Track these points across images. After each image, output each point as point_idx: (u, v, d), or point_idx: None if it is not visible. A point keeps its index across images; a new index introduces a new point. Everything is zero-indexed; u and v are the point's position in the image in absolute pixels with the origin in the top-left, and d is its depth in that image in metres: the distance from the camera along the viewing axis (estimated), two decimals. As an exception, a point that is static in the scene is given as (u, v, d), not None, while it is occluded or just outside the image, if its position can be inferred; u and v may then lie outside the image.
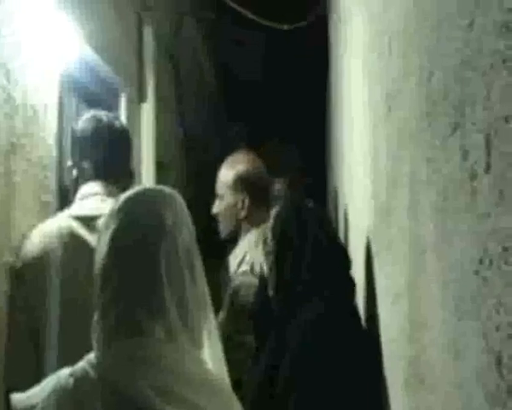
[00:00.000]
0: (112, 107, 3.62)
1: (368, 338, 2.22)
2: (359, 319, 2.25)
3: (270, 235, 2.24)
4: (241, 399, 1.61)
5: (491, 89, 0.85)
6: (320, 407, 1.95)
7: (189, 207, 1.57)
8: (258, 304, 2.39)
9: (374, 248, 2.26)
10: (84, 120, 2.35)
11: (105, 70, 3.46)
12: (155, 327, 1.40)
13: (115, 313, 1.41)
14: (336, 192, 5.23)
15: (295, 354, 2.01)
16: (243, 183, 2.88)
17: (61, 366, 1.49)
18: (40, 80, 2.36)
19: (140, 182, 4.02)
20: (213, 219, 3.08)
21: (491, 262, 0.85)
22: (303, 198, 2.45)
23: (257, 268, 2.67)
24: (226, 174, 2.93)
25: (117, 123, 2.41)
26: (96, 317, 1.44)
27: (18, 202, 2.14)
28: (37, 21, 2.34)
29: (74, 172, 2.33)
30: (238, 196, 2.88)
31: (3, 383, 1.99)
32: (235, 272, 2.80)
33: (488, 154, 0.87)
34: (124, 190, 1.65)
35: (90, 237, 2.06)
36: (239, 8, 5.38)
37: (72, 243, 2.10)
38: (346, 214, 3.77)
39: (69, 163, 2.37)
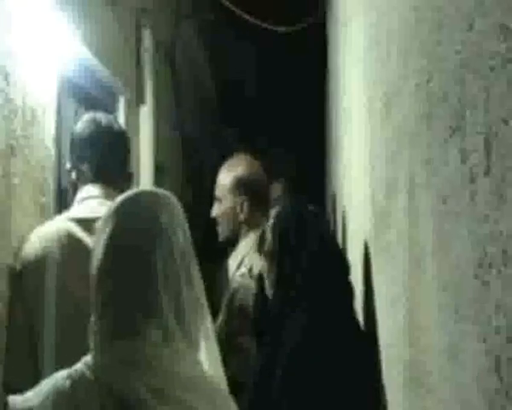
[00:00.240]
0: (110, 109, 3.62)
1: (365, 342, 2.22)
2: (357, 322, 2.24)
3: (269, 233, 2.25)
4: (240, 400, 1.61)
5: (491, 91, 0.85)
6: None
7: (187, 209, 1.58)
8: (256, 305, 2.39)
9: (372, 252, 2.26)
10: (83, 122, 2.35)
11: (103, 73, 3.46)
12: (151, 329, 1.40)
13: (111, 316, 1.41)
14: (335, 196, 5.23)
15: (290, 356, 2.01)
16: (242, 186, 2.89)
17: (59, 367, 1.49)
18: (39, 83, 2.36)
19: (138, 184, 4.02)
20: (211, 222, 3.08)
21: (490, 265, 0.85)
22: (303, 201, 2.45)
23: (255, 271, 2.67)
24: (225, 177, 2.93)
25: (115, 125, 2.41)
26: (92, 319, 1.44)
27: (17, 205, 2.13)
28: (35, 24, 2.34)
29: (73, 174, 2.32)
30: (237, 199, 2.89)
31: (2, 384, 1.99)
32: (234, 274, 2.81)
33: (487, 156, 0.87)
34: (122, 192, 1.65)
35: (89, 240, 2.05)
36: (236, 10, 5.38)
37: (71, 246, 2.10)
38: (344, 218, 3.76)
39: (68, 166, 2.37)
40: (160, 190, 1.59)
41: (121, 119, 3.83)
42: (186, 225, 1.52)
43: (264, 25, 5.62)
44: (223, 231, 2.97)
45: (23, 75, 2.21)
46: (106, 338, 1.41)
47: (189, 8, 6.52)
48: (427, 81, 1.25)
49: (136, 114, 4.27)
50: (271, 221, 2.27)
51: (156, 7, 4.80)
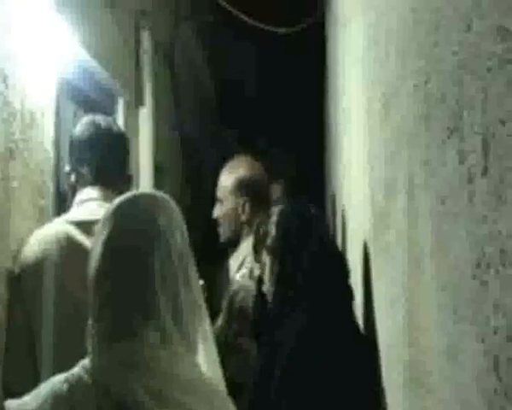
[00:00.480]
0: (109, 111, 3.62)
1: (364, 343, 2.22)
2: (356, 324, 2.25)
3: (273, 230, 2.25)
4: (239, 401, 1.61)
5: (489, 92, 0.85)
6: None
7: (187, 210, 1.58)
8: (256, 307, 2.39)
9: (371, 252, 2.26)
10: (82, 124, 2.35)
11: (102, 75, 3.46)
12: (149, 331, 1.40)
13: (109, 318, 1.41)
14: (334, 196, 5.23)
15: (289, 357, 2.01)
16: (244, 187, 2.90)
17: (58, 370, 1.48)
18: (37, 85, 2.36)
19: (138, 186, 4.02)
20: (211, 223, 3.09)
21: (488, 266, 0.85)
22: (304, 201, 2.46)
23: (256, 273, 2.68)
24: (227, 179, 2.94)
25: (114, 128, 2.41)
26: (90, 322, 1.44)
27: (16, 208, 2.13)
28: (34, 26, 2.34)
29: (72, 177, 2.32)
30: (239, 200, 2.90)
31: (1, 387, 1.99)
32: (235, 275, 2.82)
33: (485, 157, 0.87)
34: (121, 194, 1.65)
35: (88, 242, 2.05)
36: (235, 12, 5.38)
37: (70, 248, 2.10)
38: (343, 219, 3.76)
39: (67, 168, 2.37)
40: (158, 193, 1.59)
41: (120, 120, 3.83)
42: (184, 227, 1.52)
43: (263, 26, 5.62)
44: (224, 232, 2.98)
45: (22, 78, 2.21)
46: (103, 340, 1.41)
47: (188, 9, 6.52)
48: (426, 82, 1.25)
49: (136, 116, 4.27)
50: (275, 218, 2.28)
51: (155, 9, 4.80)
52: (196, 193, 6.24)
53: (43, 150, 2.40)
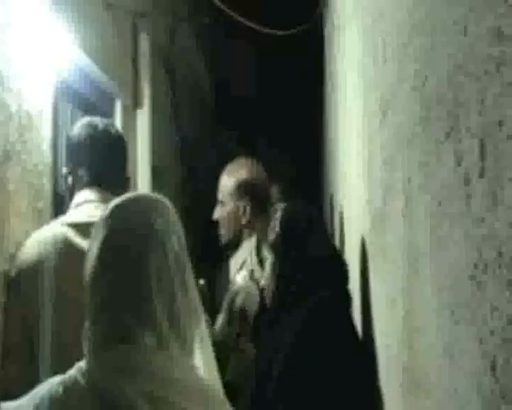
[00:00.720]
0: (107, 113, 3.62)
1: (362, 344, 2.22)
2: (354, 326, 2.25)
3: (277, 226, 2.25)
4: (239, 403, 1.61)
5: (485, 94, 0.86)
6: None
7: (185, 212, 1.57)
8: (259, 309, 2.40)
9: (369, 253, 2.26)
10: (80, 126, 2.34)
11: (100, 76, 3.46)
12: (145, 334, 1.39)
13: (105, 321, 1.40)
14: (332, 198, 5.24)
15: (286, 359, 2.02)
16: (245, 189, 2.91)
17: (57, 372, 1.48)
18: (35, 87, 2.36)
19: (136, 188, 4.02)
20: (209, 225, 3.09)
21: (485, 267, 0.85)
22: (306, 203, 2.46)
23: (256, 274, 2.69)
24: (228, 181, 2.95)
25: (112, 129, 2.40)
26: (86, 324, 1.43)
27: (13, 210, 2.13)
28: (31, 28, 2.34)
29: (69, 179, 2.32)
30: (240, 202, 2.91)
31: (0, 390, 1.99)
32: (235, 276, 2.83)
33: (482, 159, 0.87)
34: (119, 197, 1.65)
35: (86, 245, 2.04)
36: (233, 14, 5.39)
37: (67, 251, 2.09)
38: (341, 220, 3.77)
39: (64, 170, 2.36)
40: (155, 195, 1.59)
41: (118, 122, 3.84)
42: (181, 230, 1.51)
43: (261, 28, 5.63)
44: (225, 234, 2.99)
45: (19, 80, 2.21)
46: (99, 344, 1.40)
47: (186, 11, 6.52)
48: (423, 85, 1.25)
49: (134, 118, 4.27)
50: (279, 214, 2.28)
51: (153, 11, 4.80)
52: (195, 194, 6.24)
53: (41, 152, 2.40)
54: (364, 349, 2.22)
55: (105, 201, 2.16)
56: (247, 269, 2.79)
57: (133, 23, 4.28)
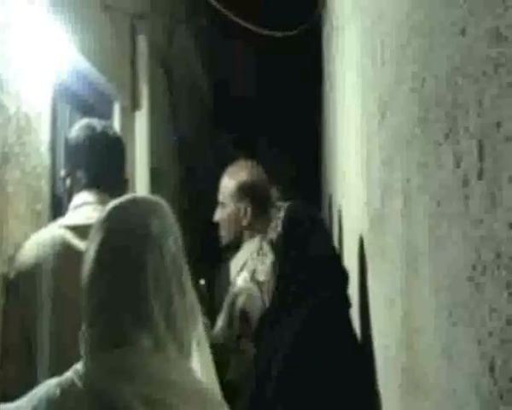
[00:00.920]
0: (105, 115, 3.62)
1: (361, 344, 2.22)
2: (352, 327, 2.25)
3: (279, 226, 2.26)
4: (238, 404, 1.61)
5: (484, 95, 0.86)
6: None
7: (183, 214, 1.57)
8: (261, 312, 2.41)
9: (368, 254, 2.26)
10: (78, 128, 2.34)
11: (98, 78, 3.46)
12: (142, 337, 1.39)
13: (102, 323, 1.40)
14: (331, 198, 5.24)
15: (286, 359, 2.02)
16: (246, 191, 2.91)
17: (55, 374, 1.48)
18: (33, 89, 2.36)
19: (134, 190, 4.02)
20: (208, 226, 3.09)
21: (484, 268, 0.85)
22: (308, 204, 2.46)
23: (257, 276, 2.69)
24: (228, 183, 2.96)
25: (110, 131, 2.40)
26: (83, 326, 1.43)
27: (12, 212, 2.13)
28: (30, 30, 2.34)
29: (68, 181, 2.32)
30: (241, 204, 2.92)
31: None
32: (236, 277, 2.83)
33: (481, 160, 0.87)
34: (117, 198, 1.64)
35: (84, 247, 2.04)
36: (232, 16, 5.39)
37: (66, 253, 2.09)
38: (340, 220, 3.77)
39: (62, 172, 2.36)
40: (152, 197, 1.58)
41: (116, 124, 3.83)
42: (178, 232, 1.51)
43: (260, 29, 5.63)
44: (225, 236, 3.00)
45: (17, 82, 2.21)
46: (96, 346, 1.40)
47: (185, 13, 6.52)
48: (421, 86, 1.25)
49: (132, 120, 4.27)
50: (282, 214, 2.28)
51: (152, 12, 4.80)
52: (193, 196, 6.24)
53: (39, 155, 2.39)
54: (363, 350, 2.22)
55: (103, 203, 2.16)
56: (248, 270, 2.79)
57: (131, 25, 4.28)
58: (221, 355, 2.60)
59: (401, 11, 1.50)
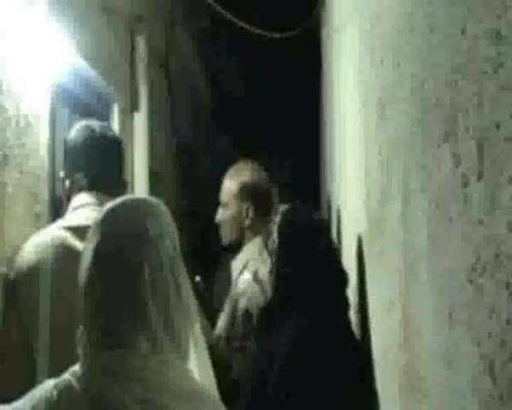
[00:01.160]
0: (104, 116, 3.62)
1: (360, 347, 2.22)
2: (351, 328, 2.25)
3: (275, 230, 2.26)
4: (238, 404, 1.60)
5: (483, 96, 0.86)
6: None
7: (183, 215, 1.57)
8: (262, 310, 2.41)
9: (366, 256, 2.26)
10: (77, 130, 2.34)
11: (97, 80, 3.46)
12: (140, 338, 1.38)
13: (99, 326, 1.40)
14: (329, 200, 5.24)
15: (285, 359, 2.02)
16: (248, 192, 2.92)
17: (54, 377, 1.48)
18: (32, 91, 2.36)
19: (133, 191, 4.02)
20: (207, 226, 3.10)
21: (484, 269, 0.85)
22: (308, 207, 2.46)
23: (260, 275, 2.70)
24: (231, 183, 2.97)
25: (109, 133, 2.40)
26: (80, 329, 1.43)
27: (11, 214, 2.13)
28: (29, 32, 2.34)
29: (67, 182, 2.31)
30: (243, 204, 2.93)
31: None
32: (237, 278, 2.84)
33: (480, 161, 0.87)
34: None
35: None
36: (231, 18, 5.39)
37: (65, 254, 2.09)
38: (339, 222, 3.77)
39: (62, 174, 2.36)
40: (150, 198, 1.58)
41: (115, 126, 3.83)
42: (175, 234, 1.51)
43: (259, 31, 5.63)
44: (227, 236, 3.00)
45: (17, 83, 2.20)
46: (94, 349, 1.39)
47: (184, 15, 6.52)
48: (421, 86, 1.25)
49: (131, 121, 4.27)
50: (278, 217, 2.29)
51: (150, 14, 4.80)
52: (192, 197, 6.24)
53: (38, 156, 2.39)
54: (362, 353, 2.22)
55: (102, 204, 2.15)
56: (249, 271, 2.80)
57: (130, 26, 4.28)
58: (222, 356, 2.60)
59: (400, 11, 1.50)
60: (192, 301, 1.51)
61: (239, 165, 3.06)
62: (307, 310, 2.10)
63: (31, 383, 1.79)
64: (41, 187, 2.42)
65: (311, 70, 7.54)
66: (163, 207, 1.52)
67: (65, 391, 1.37)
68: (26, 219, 2.27)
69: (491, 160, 0.83)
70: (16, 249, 2.13)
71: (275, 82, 8.77)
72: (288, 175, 8.29)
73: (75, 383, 1.38)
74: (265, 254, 2.38)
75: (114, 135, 2.45)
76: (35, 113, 2.37)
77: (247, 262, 2.85)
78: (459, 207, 0.97)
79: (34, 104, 2.37)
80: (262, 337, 2.24)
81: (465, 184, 0.94)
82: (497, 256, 0.80)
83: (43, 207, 2.43)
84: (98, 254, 1.42)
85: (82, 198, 2.24)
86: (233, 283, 2.88)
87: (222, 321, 2.78)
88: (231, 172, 3.02)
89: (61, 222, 2.21)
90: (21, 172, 2.22)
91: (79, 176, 2.28)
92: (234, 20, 5.42)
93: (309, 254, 2.19)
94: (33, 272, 2.08)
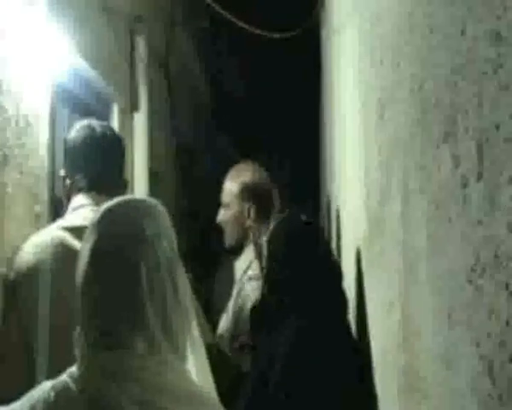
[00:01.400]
0: (104, 116, 3.61)
1: (359, 347, 2.22)
2: (350, 329, 2.25)
3: (265, 248, 2.27)
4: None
5: (483, 97, 0.86)
6: None
7: (182, 215, 1.57)
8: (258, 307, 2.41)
9: (366, 257, 2.26)
10: (77, 129, 2.33)
11: (97, 80, 3.46)
12: (137, 340, 1.38)
13: (96, 326, 1.39)
14: (329, 200, 5.24)
15: (285, 360, 2.02)
16: (249, 192, 2.93)
17: (54, 377, 1.48)
18: (32, 91, 2.36)
19: (133, 191, 4.02)
20: (207, 227, 3.10)
21: (483, 270, 0.85)
22: (295, 212, 2.46)
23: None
24: (232, 184, 2.97)
25: (110, 132, 2.39)
26: (77, 329, 1.43)
27: (10, 214, 2.13)
28: (28, 32, 2.34)
29: (67, 181, 2.31)
30: (244, 205, 2.93)
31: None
32: (242, 278, 2.85)
33: (480, 162, 0.87)
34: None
35: (83, 248, 2.04)
36: (230, 17, 5.39)
37: (65, 254, 2.09)
38: (338, 222, 3.77)
39: (62, 172, 2.35)
40: (147, 198, 1.58)
41: (115, 126, 3.83)
42: (173, 235, 1.50)
43: (259, 31, 5.63)
44: (229, 237, 3.01)
45: (16, 84, 2.20)
46: (91, 349, 1.39)
47: (184, 15, 6.52)
48: (420, 87, 1.25)
49: (130, 122, 4.27)
50: (268, 234, 2.30)
51: (150, 14, 4.80)
52: (192, 197, 6.24)
53: (38, 156, 2.39)
54: (361, 353, 2.22)
55: (101, 204, 2.15)
56: (253, 272, 2.81)
57: (130, 27, 4.28)
58: (227, 355, 2.61)
59: (400, 12, 1.50)
60: (190, 302, 1.51)
61: (240, 166, 3.06)
62: (306, 311, 2.10)
63: (30, 384, 1.79)
64: (41, 187, 2.42)
65: (311, 70, 7.54)
66: (160, 208, 1.52)
67: (62, 392, 1.37)
68: (26, 219, 2.27)
69: (491, 160, 0.83)
70: (16, 249, 2.13)
71: (275, 82, 8.77)
72: (288, 175, 8.29)
73: (72, 385, 1.37)
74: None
75: (115, 134, 2.44)
76: (35, 113, 2.37)
77: (250, 263, 2.86)
78: (459, 208, 0.97)
79: (34, 104, 2.37)
80: (262, 337, 2.24)
81: (465, 185, 0.94)
82: (496, 257, 0.80)
83: (42, 208, 2.43)
84: (95, 254, 1.41)
85: (81, 199, 2.24)
86: (237, 283, 2.89)
87: (224, 321, 2.79)
88: (232, 173, 3.03)
89: (61, 222, 2.21)
90: (21, 173, 2.22)
91: (79, 176, 2.27)
92: (234, 20, 5.42)
93: (305, 256, 2.19)
94: (33, 272, 2.07)
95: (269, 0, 7.50)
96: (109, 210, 1.48)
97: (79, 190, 2.26)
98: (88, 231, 1.46)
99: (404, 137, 1.44)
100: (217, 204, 3.04)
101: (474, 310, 0.89)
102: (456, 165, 0.98)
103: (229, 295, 2.91)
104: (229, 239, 3.00)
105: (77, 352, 1.41)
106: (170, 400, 1.37)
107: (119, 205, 1.50)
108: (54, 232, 2.15)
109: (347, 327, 2.22)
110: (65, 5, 2.79)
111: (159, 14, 5.31)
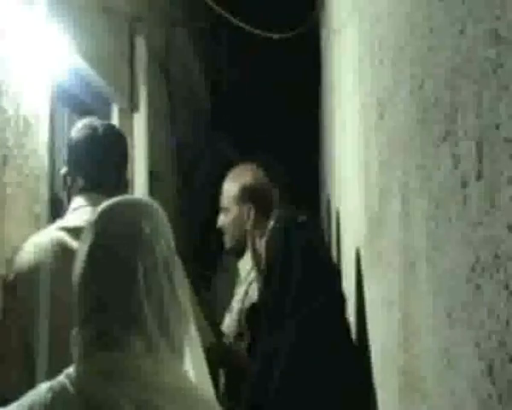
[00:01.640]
0: (103, 117, 3.61)
1: (358, 347, 2.22)
2: (349, 329, 2.25)
3: (263, 253, 2.28)
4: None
5: (482, 96, 0.85)
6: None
7: (182, 215, 1.57)
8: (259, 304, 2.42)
9: (366, 257, 2.26)
10: (79, 128, 2.32)
11: (97, 80, 3.46)
12: (134, 340, 1.38)
13: (93, 327, 1.39)
14: (329, 199, 5.24)
15: (285, 359, 2.02)
16: (249, 194, 2.92)
17: (53, 377, 1.48)
18: (32, 91, 2.36)
19: (133, 191, 4.02)
20: (206, 227, 3.11)
21: (483, 270, 0.85)
22: (294, 215, 2.46)
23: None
24: (231, 186, 2.96)
25: (111, 132, 2.38)
26: (74, 330, 1.42)
27: (10, 214, 2.13)
28: (28, 32, 2.34)
29: (68, 179, 2.30)
30: (244, 207, 2.92)
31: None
32: (246, 279, 2.85)
33: (479, 161, 0.87)
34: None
35: (82, 249, 2.04)
36: (230, 17, 5.39)
37: (64, 255, 2.09)
38: (338, 223, 3.77)
39: (63, 171, 2.33)
40: (144, 198, 1.58)
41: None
42: (170, 235, 1.50)
43: (258, 31, 5.63)
44: (230, 240, 3.00)
45: (16, 84, 2.20)
46: (88, 349, 1.39)
47: (184, 15, 6.53)
48: (420, 87, 1.25)
49: (130, 122, 4.27)
50: (266, 237, 2.31)
51: (150, 15, 4.81)
52: (191, 197, 6.24)
53: (38, 157, 2.39)
54: (360, 353, 2.22)
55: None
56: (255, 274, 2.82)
57: (129, 27, 4.28)
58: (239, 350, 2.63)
59: (400, 12, 1.50)
60: (187, 301, 1.51)
61: (238, 168, 3.05)
62: (306, 311, 2.10)
63: (30, 384, 1.79)
64: (41, 187, 2.42)
65: (311, 70, 7.55)
66: (158, 208, 1.51)
67: (59, 394, 1.37)
68: (26, 219, 2.27)
69: (491, 160, 0.83)
70: (15, 250, 2.13)
71: (275, 82, 8.77)
72: (287, 176, 8.28)
73: (69, 386, 1.37)
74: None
75: (117, 134, 2.43)
76: (35, 113, 2.37)
77: (252, 266, 2.87)
78: (458, 208, 0.97)
79: (34, 104, 2.37)
80: (262, 337, 2.24)
81: (464, 185, 0.94)
82: (496, 257, 0.80)
83: (42, 208, 2.43)
84: (92, 253, 1.41)
85: (81, 199, 2.23)
86: (242, 282, 2.89)
87: (228, 320, 2.81)
88: (230, 175, 3.02)
89: (61, 223, 2.21)
90: (21, 173, 2.22)
91: (80, 176, 2.27)
92: (233, 20, 5.42)
93: (304, 256, 2.19)
94: (32, 272, 2.07)
95: (269, 0, 7.50)
96: (106, 210, 1.48)
97: (80, 191, 2.26)
98: (85, 231, 1.46)
99: (404, 137, 1.44)
100: (217, 205, 3.04)
101: (474, 310, 0.88)
102: (456, 164, 0.98)
103: (229, 294, 2.91)
104: (230, 242, 3.00)
105: (74, 352, 1.41)
106: (167, 399, 1.36)
107: (116, 205, 1.50)
108: (53, 233, 2.15)
109: (347, 327, 2.22)
110: (65, 5, 2.79)
111: (158, 15, 5.31)
